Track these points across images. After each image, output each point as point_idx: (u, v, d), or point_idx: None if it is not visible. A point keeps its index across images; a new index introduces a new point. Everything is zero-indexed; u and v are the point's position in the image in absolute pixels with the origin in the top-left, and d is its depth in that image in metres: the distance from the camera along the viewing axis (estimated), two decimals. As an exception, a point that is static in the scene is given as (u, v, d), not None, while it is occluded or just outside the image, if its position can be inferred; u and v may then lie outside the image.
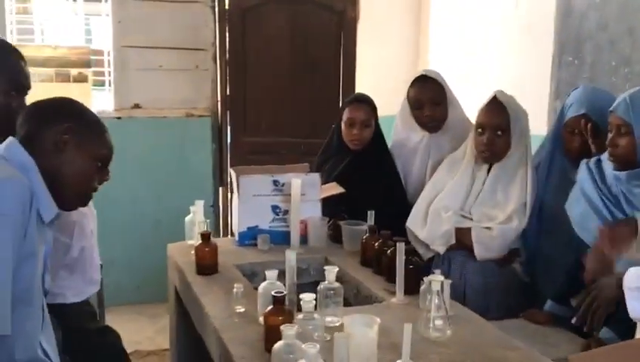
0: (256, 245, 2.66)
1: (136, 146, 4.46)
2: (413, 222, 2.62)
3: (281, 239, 2.65)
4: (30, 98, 4.16)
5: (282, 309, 1.73)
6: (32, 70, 4.12)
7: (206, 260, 2.32)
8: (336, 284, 1.93)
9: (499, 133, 2.50)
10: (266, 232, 2.68)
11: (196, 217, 2.54)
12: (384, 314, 1.82)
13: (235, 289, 2.00)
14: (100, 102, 4.50)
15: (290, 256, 1.91)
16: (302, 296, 1.71)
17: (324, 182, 2.92)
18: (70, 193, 1.52)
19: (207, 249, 2.32)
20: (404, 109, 2.95)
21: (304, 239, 2.69)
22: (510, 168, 2.54)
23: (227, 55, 4.63)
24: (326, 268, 1.94)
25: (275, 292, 1.74)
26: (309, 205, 2.71)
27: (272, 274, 1.92)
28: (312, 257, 2.59)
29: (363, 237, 2.46)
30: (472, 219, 2.53)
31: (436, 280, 1.84)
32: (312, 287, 2.53)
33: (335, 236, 2.74)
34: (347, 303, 2.33)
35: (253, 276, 2.50)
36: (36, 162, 1.46)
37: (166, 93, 4.52)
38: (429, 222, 2.57)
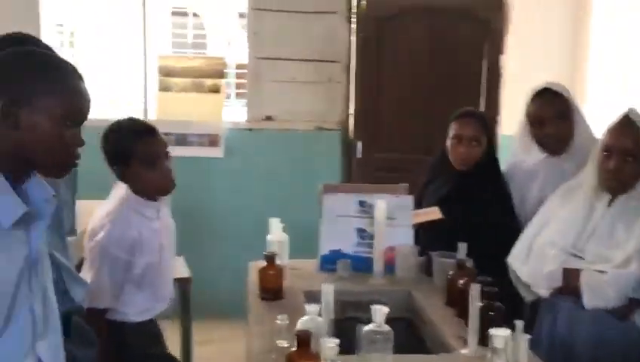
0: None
1: (265, 158, 4.44)
2: (516, 259, 2.24)
3: (364, 266, 2.41)
4: (170, 106, 4.38)
5: (306, 351, 1.49)
6: (170, 80, 4.34)
7: (268, 284, 2.14)
8: (386, 328, 1.65)
9: (629, 158, 2.06)
10: (350, 257, 2.44)
11: (272, 236, 2.37)
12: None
13: (278, 321, 1.79)
14: (231, 113, 4.52)
15: (327, 290, 1.66)
16: (322, 340, 1.46)
17: (427, 205, 2.63)
18: (46, 164, 1.32)
19: (270, 272, 2.14)
20: (522, 128, 2.57)
21: (391, 268, 2.42)
22: (637, 201, 2.08)
23: (361, 67, 4.44)
24: (373, 307, 1.66)
25: (298, 332, 1.50)
26: (400, 231, 2.44)
27: (313, 308, 1.69)
28: (393, 290, 2.32)
29: (449, 273, 2.14)
30: (583, 259, 2.10)
31: (499, 334, 1.49)
32: (392, 324, 2.29)
33: (428, 268, 2.43)
34: (418, 347, 2.04)
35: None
36: None
37: (298, 105, 4.45)
38: (533, 260, 2.18)
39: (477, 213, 2.49)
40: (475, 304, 1.75)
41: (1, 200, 1.23)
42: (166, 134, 4.21)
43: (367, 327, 1.65)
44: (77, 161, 1.37)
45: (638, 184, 2.08)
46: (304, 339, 1.49)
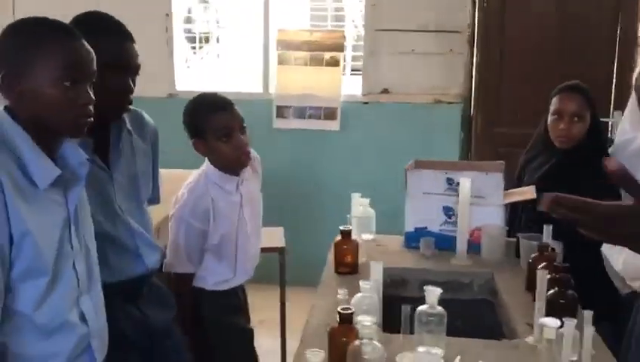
0: (424, 248, 2.39)
1: (382, 132, 4.42)
2: (611, 247, 2.07)
3: (449, 245, 2.34)
4: (289, 79, 4.46)
5: (348, 329, 1.49)
6: (289, 53, 4.42)
7: (343, 258, 2.15)
8: (439, 309, 1.60)
9: None
10: (436, 236, 2.39)
11: (353, 211, 2.37)
12: (502, 356, 1.46)
13: (339, 296, 1.80)
14: (349, 86, 4.52)
15: (376, 268, 1.63)
16: (359, 318, 1.45)
17: (527, 183, 2.50)
18: (59, 127, 1.37)
19: (344, 246, 2.15)
20: (632, 104, 2.34)
21: (477, 248, 2.33)
22: None
23: (483, 38, 4.26)
24: (426, 288, 1.62)
25: (342, 309, 1.50)
26: (489, 210, 2.35)
27: (367, 285, 1.68)
28: (476, 271, 2.24)
29: (530, 257, 2.02)
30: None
31: (550, 325, 1.40)
32: (472, 305, 2.23)
33: (517, 250, 2.32)
34: (496, 331, 1.96)
35: (404, 283, 2.25)
36: (19, 121, 1.36)
37: (416, 78, 4.37)
38: (628, 250, 1.99)
39: (576, 194, 2.32)
40: (542, 290, 1.65)
41: (36, 165, 1.34)
42: (285, 107, 4.40)
43: (420, 308, 1.62)
44: (88, 119, 1.40)
45: None
46: (345, 317, 1.49)
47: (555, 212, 0.92)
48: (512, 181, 2.63)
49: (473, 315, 2.23)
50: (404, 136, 4.38)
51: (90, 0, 3.67)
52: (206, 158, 2.17)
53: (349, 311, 1.50)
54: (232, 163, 2.12)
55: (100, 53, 1.47)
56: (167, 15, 4.45)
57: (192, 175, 2.19)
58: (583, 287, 1.96)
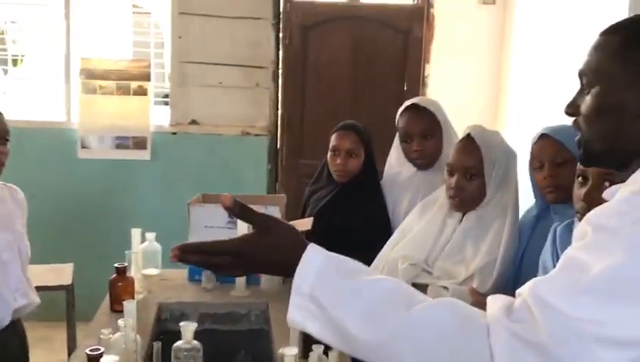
0: (207, 281, 2.44)
1: (191, 162, 4.44)
2: (373, 271, 2.25)
3: (231, 277, 2.41)
4: (93, 109, 4.35)
5: (96, 369, 1.50)
6: (94, 82, 4.32)
7: (119, 295, 2.14)
8: (194, 343, 1.66)
9: (469, 176, 2.07)
10: (218, 268, 2.44)
11: (132, 246, 2.37)
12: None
13: (101, 336, 1.79)
14: (159, 116, 4.51)
15: (129, 307, 1.66)
16: (103, 359, 1.47)
17: (309, 214, 2.64)
18: None
19: (119, 284, 2.15)
20: (397, 140, 2.59)
21: (258, 280, 2.43)
22: (486, 219, 2.09)
23: (286, 74, 4.45)
24: (182, 324, 1.67)
25: (90, 350, 1.51)
26: (267, 242, 2.44)
27: (123, 323, 1.69)
28: (253, 302, 2.33)
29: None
30: (432, 275, 2.11)
31: (289, 354, 1.51)
32: (251, 335, 2.31)
33: (293, 279, 2.44)
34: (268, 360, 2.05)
35: (184, 317, 2.28)
36: None
37: (224, 110, 4.45)
38: (385, 273, 2.19)
39: (350, 227, 2.50)
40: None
41: None
42: (91, 137, 4.28)
43: (176, 344, 1.66)
44: None
45: (486, 201, 2.09)
46: (92, 358, 1.49)
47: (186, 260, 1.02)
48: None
49: (253, 345, 2.32)
50: (213, 167, 4.44)
51: None
52: None
53: (97, 352, 1.50)
54: None
55: None
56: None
57: None
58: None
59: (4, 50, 4.83)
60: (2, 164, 2.04)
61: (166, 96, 4.80)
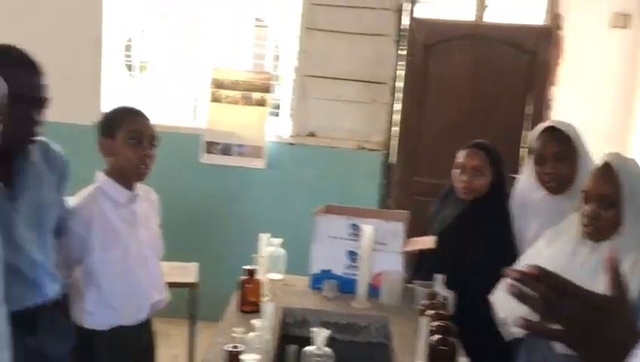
0: (328, 290, 2.48)
1: (305, 173, 4.54)
2: (498, 296, 2.21)
3: (352, 288, 2.44)
4: (219, 117, 4.54)
5: (235, 366, 1.56)
6: (222, 92, 4.51)
7: (246, 297, 2.22)
8: (325, 350, 1.69)
9: (606, 205, 2.00)
10: (339, 278, 2.48)
11: (260, 251, 2.45)
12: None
13: (233, 334, 1.86)
14: (277, 127, 4.64)
15: (268, 309, 1.71)
16: (243, 356, 1.52)
17: (432, 232, 2.64)
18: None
19: (247, 285, 2.22)
20: (528, 164, 2.53)
21: (377, 293, 2.44)
22: (621, 250, 2.00)
23: (406, 90, 4.46)
24: (314, 329, 1.71)
25: (232, 347, 1.57)
26: (389, 257, 2.46)
27: (259, 323, 1.75)
28: (374, 315, 2.34)
29: (420, 303, 2.14)
30: (561, 305, 2.05)
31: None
32: (370, 348, 2.32)
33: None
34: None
35: (305, 324, 2.33)
36: None
37: (341, 123, 4.52)
38: (511, 299, 2.14)
39: (474, 247, 2.48)
40: (423, 336, 1.76)
41: None
42: (214, 143, 4.47)
43: (307, 348, 1.70)
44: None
45: (620, 231, 2.01)
46: (232, 355, 1.55)
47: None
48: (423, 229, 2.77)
49: (370, 358, 2.33)
50: (327, 179, 4.51)
51: (22, 28, 3.74)
52: (97, 174, 2.15)
53: (237, 350, 1.56)
54: (130, 169, 2.11)
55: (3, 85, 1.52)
56: (96, 41, 4.47)
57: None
58: (474, 336, 2.09)
59: (129, 56, 5.12)
60: (148, 167, 2.15)
61: (277, 107, 4.92)
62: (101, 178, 2.13)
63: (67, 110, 3.98)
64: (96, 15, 4.46)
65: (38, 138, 1.80)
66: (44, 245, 1.87)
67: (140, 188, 2.22)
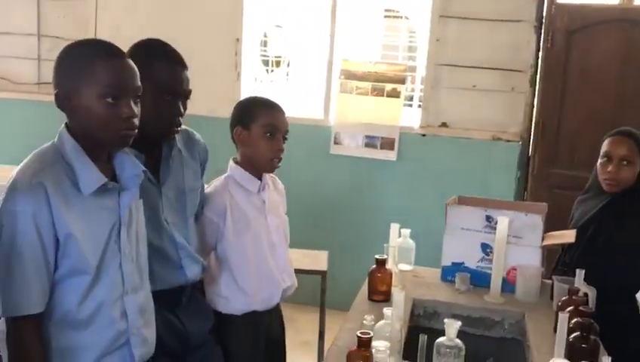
0: (460, 282, 2.43)
1: (438, 165, 4.46)
2: (643, 294, 2.07)
3: (485, 282, 2.37)
4: (349, 108, 4.57)
5: (364, 353, 1.56)
6: (352, 83, 4.54)
7: (376, 286, 2.22)
8: (457, 342, 1.66)
9: None
10: (472, 272, 2.42)
11: (390, 241, 2.43)
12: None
13: (365, 322, 1.87)
14: (407, 118, 4.60)
15: (398, 297, 1.70)
16: (375, 343, 1.52)
17: (573, 226, 2.51)
18: (105, 140, 1.51)
19: (378, 274, 2.22)
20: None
21: (512, 288, 2.36)
22: None
23: (546, 79, 4.26)
24: (446, 320, 1.67)
25: (361, 333, 1.58)
26: (526, 250, 2.37)
27: (388, 312, 1.74)
28: (508, 310, 2.26)
29: (560, 300, 2.04)
30: None
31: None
32: (502, 343, 2.25)
33: (553, 291, 2.32)
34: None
35: (436, 316, 2.29)
36: (71, 132, 1.51)
37: (475, 113, 4.40)
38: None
39: (617, 242, 2.33)
40: (562, 333, 1.68)
41: (83, 174, 1.48)
42: (343, 135, 4.51)
43: (439, 339, 1.67)
44: (132, 132, 1.51)
45: None
46: (363, 341, 1.56)
47: None
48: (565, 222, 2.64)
49: (503, 353, 2.25)
50: (460, 171, 4.40)
51: (166, 26, 3.97)
52: (230, 164, 2.21)
53: (368, 336, 1.56)
54: (263, 161, 2.15)
55: (153, 78, 1.62)
56: (237, 40, 4.65)
57: None
58: (617, 334, 1.97)
59: (265, 51, 5.27)
60: (280, 160, 2.19)
61: (410, 98, 4.86)
62: (233, 167, 2.20)
63: (209, 103, 4.20)
64: (237, 15, 4.64)
65: (182, 127, 1.90)
66: (186, 229, 1.97)
67: (268, 177, 2.27)
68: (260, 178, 2.20)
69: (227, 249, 2.13)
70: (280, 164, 2.18)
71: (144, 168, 1.60)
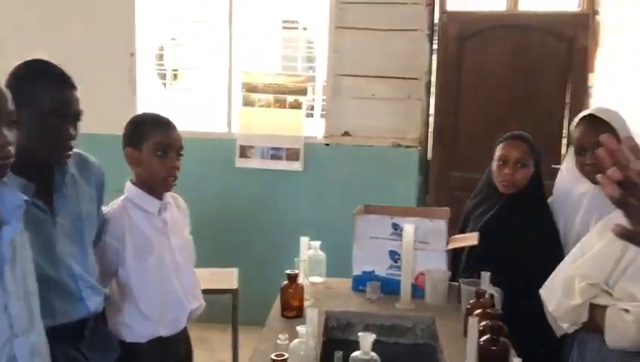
0: (371, 291, 2.44)
1: (342, 173, 4.51)
2: (548, 290, 2.14)
3: (395, 289, 2.39)
4: (252, 120, 4.54)
5: (281, 374, 1.53)
6: (254, 95, 4.51)
7: (289, 302, 2.19)
8: (372, 355, 1.66)
9: None
10: (383, 279, 2.44)
11: (301, 254, 2.42)
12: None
13: (278, 341, 1.83)
14: (310, 128, 4.62)
15: (311, 315, 1.68)
16: (289, 363, 1.49)
17: (472, 229, 2.58)
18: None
19: (290, 290, 2.20)
20: (569, 155, 2.46)
21: (422, 293, 2.40)
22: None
23: (441, 85, 4.40)
24: (360, 334, 1.67)
25: (276, 355, 1.55)
26: (432, 255, 2.41)
27: (302, 330, 1.72)
28: (419, 316, 2.29)
29: (468, 303, 2.09)
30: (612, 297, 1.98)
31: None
32: (415, 350, 2.28)
33: (459, 295, 2.38)
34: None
35: (349, 327, 2.29)
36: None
37: (376, 121, 4.48)
38: (560, 292, 2.08)
39: (518, 241, 2.42)
40: (472, 337, 1.71)
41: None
42: (248, 147, 4.47)
43: (354, 354, 1.67)
44: (6, 161, 1.37)
45: None
46: (278, 362, 1.53)
47: None
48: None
49: (416, 360, 2.28)
50: (364, 178, 4.47)
51: (55, 41, 3.79)
52: (127, 185, 2.14)
53: (282, 358, 1.54)
54: (158, 181, 2.09)
55: (38, 101, 1.52)
56: (131, 55, 4.52)
57: None
58: (524, 333, 2.03)
59: (162, 65, 5.15)
60: (176, 178, 2.12)
61: (312, 108, 4.89)
62: (130, 188, 2.12)
63: (103, 121, 4.04)
64: (130, 29, 4.51)
65: (74, 151, 1.80)
66: (85, 258, 1.87)
67: (169, 195, 2.21)
68: (159, 198, 2.13)
69: (129, 274, 2.05)
70: (175, 183, 2.13)
71: (26, 198, 1.47)
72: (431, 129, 4.50)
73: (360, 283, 2.48)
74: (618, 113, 2.37)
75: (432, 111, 4.50)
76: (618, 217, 2.10)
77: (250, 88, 4.54)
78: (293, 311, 2.20)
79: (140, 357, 2.06)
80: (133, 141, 2.09)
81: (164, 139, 2.08)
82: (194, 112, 4.74)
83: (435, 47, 4.43)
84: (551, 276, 2.17)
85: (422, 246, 2.41)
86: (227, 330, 3.40)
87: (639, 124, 3.02)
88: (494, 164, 2.55)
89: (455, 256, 2.57)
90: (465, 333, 2.06)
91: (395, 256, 2.44)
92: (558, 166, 2.60)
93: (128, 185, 2.13)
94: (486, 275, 2.13)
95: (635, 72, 4.22)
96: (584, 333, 2.04)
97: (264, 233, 4.56)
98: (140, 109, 4.55)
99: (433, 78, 4.43)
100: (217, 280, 3.29)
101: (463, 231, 2.64)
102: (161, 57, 4.99)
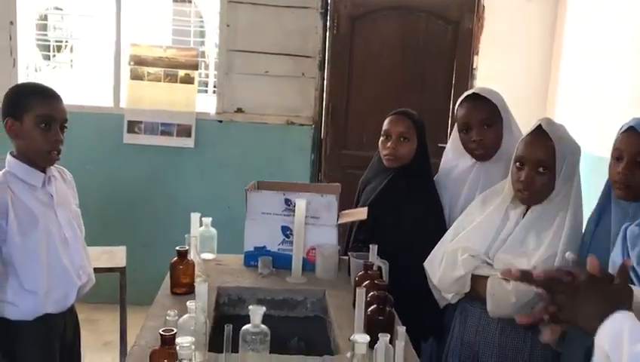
0: (262, 267, 2.45)
1: (235, 150, 4.47)
2: (431, 263, 2.24)
3: (287, 264, 2.42)
4: (141, 95, 4.39)
5: (169, 351, 1.51)
6: (143, 69, 4.36)
7: (179, 279, 2.16)
8: (262, 327, 1.66)
9: (540, 170, 2.04)
10: (274, 255, 2.46)
11: (192, 231, 2.39)
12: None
13: (168, 318, 1.80)
14: (203, 104, 4.54)
15: (201, 289, 1.67)
16: (178, 339, 1.47)
17: (362, 204, 2.63)
18: None
19: (180, 266, 2.16)
20: (455, 132, 2.56)
21: (313, 267, 2.43)
22: (550, 212, 2.06)
23: (333, 64, 4.44)
24: (250, 307, 1.67)
25: (164, 331, 1.52)
26: (323, 230, 2.45)
27: (192, 305, 1.71)
28: (309, 289, 2.33)
29: (356, 275, 2.14)
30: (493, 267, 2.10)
31: (359, 341, 1.50)
32: (306, 322, 2.31)
33: (350, 268, 2.44)
34: (327, 348, 2.05)
35: (241, 302, 2.30)
36: None
37: (269, 99, 4.47)
38: (444, 265, 2.18)
39: (402, 215, 2.49)
40: (360, 307, 1.76)
41: None
42: (137, 123, 4.33)
43: (244, 327, 1.67)
44: None
45: (551, 195, 2.06)
46: (166, 339, 1.50)
47: None
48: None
49: (307, 332, 2.32)
50: (257, 156, 4.46)
51: None
52: (7, 158, 2.04)
53: (171, 333, 1.51)
54: (39, 154, 2.01)
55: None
56: (11, 23, 4.25)
57: None
58: (409, 304, 2.11)
59: (45, 35, 4.89)
60: (60, 152, 2.05)
61: (205, 84, 4.82)
62: (11, 161, 2.02)
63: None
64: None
65: None
66: None
67: (54, 168, 2.12)
68: (43, 170, 2.04)
69: (12, 250, 1.96)
70: (59, 157, 2.05)
71: None
72: (324, 107, 4.53)
73: (252, 258, 2.48)
74: (499, 93, 2.49)
75: (324, 89, 4.53)
76: (498, 189, 2.22)
77: (139, 61, 4.40)
78: (183, 288, 2.17)
79: (25, 335, 1.98)
80: (14, 112, 1.98)
81: (48, 110, 1.99)
82: (79, 86, 4.54)
83: (328, 25, 4.46)
84: (434, 249, 2.27)
85: (313, 221, 2.45)
86: (116, 311, 3.30)
87: (520, 103, 3.21)
88: (380, 139, 2.62)
89: (348, 231, 2.63)
90: (354, 305, 2.12)
91: (287, 231, 2.46)
92: (444, 145, 2.70)
93: (9, 158, 2.03)
94: (374, 248, 2.19)
95: (516, 54, 4.46)
96: (465, 301, 2.15)
97: (155, 211, 4.45)
98: (21, 81, 4.31)
99: (327, 57, 4.46)
100: (105, 259, 3.19)
101: (357, 206, 2.70)
102: (44, 27, 4.73)
